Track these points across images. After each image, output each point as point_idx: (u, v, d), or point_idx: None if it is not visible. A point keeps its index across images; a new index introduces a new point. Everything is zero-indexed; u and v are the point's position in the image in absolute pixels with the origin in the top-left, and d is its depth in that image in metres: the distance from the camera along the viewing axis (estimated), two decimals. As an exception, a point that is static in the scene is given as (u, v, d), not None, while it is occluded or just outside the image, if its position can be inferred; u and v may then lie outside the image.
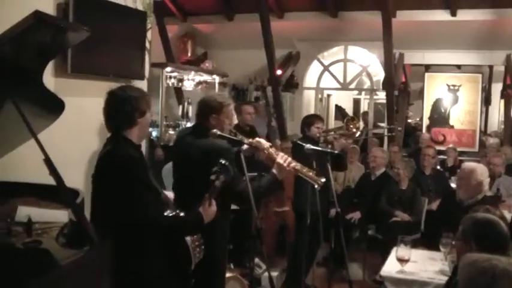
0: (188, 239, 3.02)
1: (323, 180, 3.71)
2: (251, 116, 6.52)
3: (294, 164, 3.60)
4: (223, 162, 2.98)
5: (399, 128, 9.39)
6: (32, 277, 1.93)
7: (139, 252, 2.80)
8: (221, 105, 3.63)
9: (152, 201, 2.85)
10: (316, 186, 3.72)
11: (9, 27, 2.31)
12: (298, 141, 4.91)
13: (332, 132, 5.82)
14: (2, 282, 1.94)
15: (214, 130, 3.42)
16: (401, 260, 3.98)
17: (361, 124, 5.92)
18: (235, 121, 3.65)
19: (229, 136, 3.53)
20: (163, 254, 2.91)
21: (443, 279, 3.56)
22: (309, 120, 5.69)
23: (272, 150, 3.61)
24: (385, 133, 9.36)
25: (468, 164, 4.90)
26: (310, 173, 3.69)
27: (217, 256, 3.63)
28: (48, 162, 2.40)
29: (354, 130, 5.73)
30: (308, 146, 4.48)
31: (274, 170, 3.53)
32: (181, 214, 2.98)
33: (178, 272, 3.01)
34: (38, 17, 2.26)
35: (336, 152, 4.92)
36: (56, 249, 2.34)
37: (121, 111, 2.98)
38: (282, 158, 3.53)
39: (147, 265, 2.85)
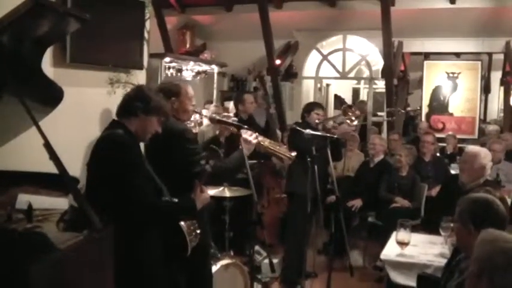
0: (183, 224, 3.05)
1: (293, 154, 3.77)
2: (253, 105, 6.55)
3: (261, 138, 3.64)
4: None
5: (401, 110, 9.38)
6: (32, 260, 1.93)
7: (136, 237, 2.82)
8: (178, 87, 3.65)
9: (145, 186, 2.88)
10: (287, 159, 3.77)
11: (7, 12, 2.31)
12: (297, 127, 4.92)
13: (331, 122, 5.85)
14: (2, 266, 1.95)
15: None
16: (401, 243, 4.00)
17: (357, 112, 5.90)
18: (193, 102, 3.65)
19: (229, 121, 3.56)
20: (159, 238, 2.93)
21: (443, 261, 3.56)
22: (310, 107, 5.74)
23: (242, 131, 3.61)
24: (385, 117, 9.36)
25: (472, 148, 4.88)
26: (278, 147, 3.74)
27: (206, 239, 3.67)
28: (48, 146, 2.41)
29: (353, 118, 5.75)
30: (308, 131, 4.49)
31: (242, 146, 3.55)
32: (175, 200, 3.01)
33: (175, 257, 3.02)
34: (36, 1, 2.26)
35: (336, 136, 4.93)
36: (57, 233, 2.36)
37: (131, 103, 3.06)
38: (246, 134, 3.57)
39: (144, 250, 2.87)
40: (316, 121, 5.52)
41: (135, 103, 3.02)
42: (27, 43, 2.59)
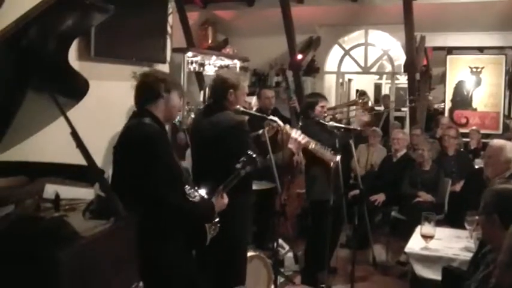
0: None
1: (338, 159, 3.74)
2: (270, 101, 6.52)
3: (307, 139, 3.64)
4: (250, 153, 3.04)
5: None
6: (61, 246, 1.97)
7: (156, 226, 2.82)
8: (238, 81, 3.66)
9: (172, 180, 2.89)
10: (331, 164, 3.75)
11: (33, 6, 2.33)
12: (321, 120, 4.86)
13: (342, 109, 5.74)
14: (33, 251, 1.98)
15: (238, 106, 3.46)
16: (426, 237, 3.98)
17: (371, 102, 5.81)
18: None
19: (252, 112, 3.57)
20: (178, 227, 2.94)
21: (469, 255, 3.55)
22: (312, 100, 5.37)
23: (287, 128, 3.62)
24: (407, 103, 9.27)
25: (496, 141, 4.79)
26: (325, 151, 3.73)
27: (237, 236, 3.67)
28: (74, 135, 2.44)
29: (365, 104, 5.66)
30: (331, 123, 4.47)
31: (290, 145, 3.54)
32: (198, 193, 3.02)
33: (193, 247, 3.02)
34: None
35: (359, 128, 4.89)
36: (83, 221, 2.40)
37: (145, 87, 3.07)
38: (296, 134, 3.57)
39: (163, 239, 2.88)
40: (324, 114, 5.22)
41: (154, 86, 3.03)
42: (54, 35, 2.62)
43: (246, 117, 3.59)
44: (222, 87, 3.61)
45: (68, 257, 1.93)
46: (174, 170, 2.96)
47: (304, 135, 3.60)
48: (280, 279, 5.57)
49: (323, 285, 5.01)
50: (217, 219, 3.11)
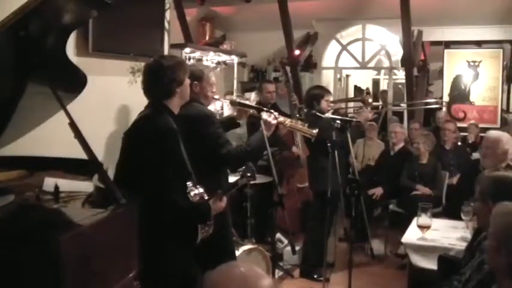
0: None
1: (315, 131, 3.78)
2: (272, 95, 6.56)
3: (282, 119, 3.67)
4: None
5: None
6: (62, 232, 2.00)
7: (154, 219, 2.83)
8: (201, 72, 3.69)
9: (176, 178, 2.92)
10: (312, 139, 3.79)
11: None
12: (317, 113, 4.89)
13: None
14: (35, 238, 2.01)
15: (234, 97, 3.50)
16: (422, 227, 4.01)
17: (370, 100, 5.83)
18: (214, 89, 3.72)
19: (247, 103, 3.60)
20: (169, 223, 2.95)
21: (465, 245, 3.56)
22: (318, 93, 5.44)
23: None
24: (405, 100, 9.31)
25: (493, 133, 4.80)
26: (301, 126, 3.76)
27: (224, 233, 3.72)
28: (73, 125, 2.47)
29: (370, 101, 5.70)
30: (327, 114, 4.50)
31: (264, 128, 3.57)
32: (198, 191, 3.04)
33: (183, 243, 3.03)
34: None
35: (355, 120, 4.91)
36: (83, 210, 2.43)
37: (158, 83, 3.07)
38: (267, 115, 3.60)
39: (161, 233, 2.91)
40: (328, 109, 5.32)
41: (159, 80, 3.04)
42: (52, 27, 2.65)
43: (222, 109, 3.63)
44: None
45: (68, 242, 1.96)
46: (181, 168, 3.00)
47: (276, 115, 3.63)
48: (279, 273, 5.62)
49: (321, 279, 5.04)
50: (210, 222, 3.13)
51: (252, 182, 4.70)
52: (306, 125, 3.85)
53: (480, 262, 2.64)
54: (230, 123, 4.02)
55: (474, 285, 2.56)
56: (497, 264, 2.07)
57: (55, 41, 2.70)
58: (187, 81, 3.15)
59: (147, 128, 2.98)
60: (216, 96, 3.81)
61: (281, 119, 3.68)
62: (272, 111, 3.70)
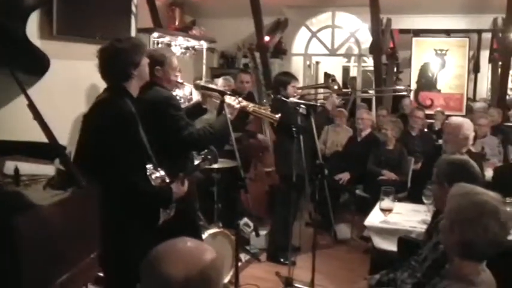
0: None
1: (278, 116, 3.83)
2: (244, 85, 6.66)
3: (245, 103, 3.70)
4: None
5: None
6: (19, 213, 1.99)
7: (113, 199, 2.82)
8: (163, 57, 3.67)
9: (136, 161, 2.91)
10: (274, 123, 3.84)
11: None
12: (283, 98, 4.92)
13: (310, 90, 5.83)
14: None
15: (198, 81, 3.51)
16: (385, 210, 4.08)
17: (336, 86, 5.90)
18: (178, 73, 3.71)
19: (211, 86, 3.61)
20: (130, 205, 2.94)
21: (425, 227, 3.64)
22: (285, 79, 5.47)
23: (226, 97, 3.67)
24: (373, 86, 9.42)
25: (455, 119, 4.91)
26: (264, 111, 3.81)
27: (188, 213, 3.76)
28: (31, 107, 2.45)
29: (336, 88, 5.77)
30: (291, 99, 4.53)
31: (227, 111, 3.59)
32: (160, 174, 3.04)
33: (144, 225, 3.03)
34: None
35: (319, 104, 4.96)
36: (43, 192, 2.42)
37: (114, 67, 3.04)
38: (230, 99, 3.62)
39: (122, 215, 2.90)
40: (294, 94, 5.33)
41: (114, 63, 3.02)
42: (8, 10, 2.60)
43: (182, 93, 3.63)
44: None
45: (24, 223, 1.95)
46: (140, 151, 2.99)
47: (240, 100, 3.65)
48: (246, 257, 5.67)
49: (287, 262, 5.10)
50: (172, 205, 3.14)
51: (217, 167, 4.76)
52: (269, 109, 3.88)
53: (436, 243, 2.71)
54: (197, 109, 4.02)
55: (429, 265, 2.62)
56: (449, 243, 2.13)
57: (13, 22, 2.66)
58: (144, 61, 3.12)
59: (105, 112, 2.97)
60: (180, 80, 3.80)
61: (244, 103, 3.70)
62: (236, 96, 3.71)
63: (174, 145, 3.42)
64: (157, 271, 1.45)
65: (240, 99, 3.66)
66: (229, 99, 3.60)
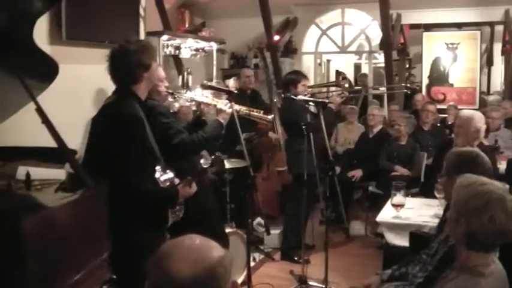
0: None
1: (270, 117, 3.84)
2: (249, 79, 6.65)
3: (237, 107, 3.71)
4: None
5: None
6: (22, 215, 2.01)
7: (120, 201, 2.83)
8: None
9: (142, 164, 2.92)
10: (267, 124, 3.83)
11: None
12: (292, 96, 4.92)
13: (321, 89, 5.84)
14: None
15: (205, 81, 3.52)
16: (396, 206, 4.07)
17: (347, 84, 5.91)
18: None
19: (217, 86, 3.63)
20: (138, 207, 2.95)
21: (438, 222, 3.63)
22: (295, 78, 5.46)
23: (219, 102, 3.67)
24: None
25: (466, 112, 4.88)
26: (256, 113, 3.81)
27: (199, 216, 3.75)
28: (40, 111, 2.48)
29: (346, 86, 5.76)
30: (300, 97, 4.53)
31: (219, 116, 3.59)
32: (168, 176, 3.06)
33: (153, 227, 3.04)
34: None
35: (328, 101, 4.96)
36: (51, 195, 2.45)
37: (123, 69, 3.04)
38: (222, 103, 3.62)
39: (131, 218, 2.92)
40: (305, 93, 5.30)
41: (124, 65, 3.02)
42: (13, 16, 2.62)
43: None
44: None
45: (31, 225, 1.98)
46: (148, 153, 2.99)
47: (231, 104, 3.65)
48: (260, 256, 5.68)
49: (301, 260, 5.10)
50: (180, 206, 3.15)
51: (229, 167, 4.79)
52: (262, 112, 3.88)
53: (447, 236, 2.69)
54: (197, 123, 4.03)
55: (440, 258, 2.61)
56: (456, 235, 2.12)
57: (20, 27, 2.68)
58: (155, 65, 3.13)
59: (112, 115, 2.97)
60: (170, 91, 3.78)
61: (236, 107, 3.69)
62: (228, 100, 3.69)
63: (168, 153, 3.43)
64: (164, 268, 1.45)
65: (232, 103, 3.64)
66: (220, 105, 3.60)
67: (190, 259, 1.46)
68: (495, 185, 2.09)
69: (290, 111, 4.60)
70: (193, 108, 6.29)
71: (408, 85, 9.25)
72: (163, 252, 1.49)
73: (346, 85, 5.99)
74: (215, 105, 3.59)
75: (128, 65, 3.01)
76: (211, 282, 1.47)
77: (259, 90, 7.19)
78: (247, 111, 3.80)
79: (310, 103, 4.52)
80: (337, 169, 6.87)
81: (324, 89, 7.34)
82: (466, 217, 2.04)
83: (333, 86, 6.01)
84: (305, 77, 5.61)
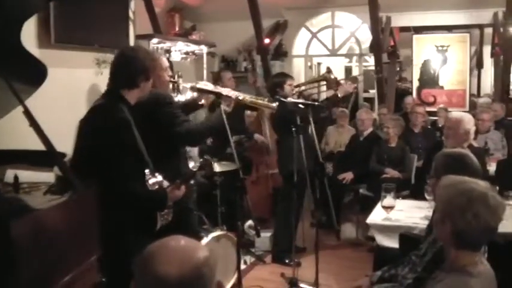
0: None
1: (275, 105, 3.86)
2: (232, 82, 6.68)
3: (242, 96, 3.72)
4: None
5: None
6: (11, 217, 2.00)
7: (109, 203, 2.82)
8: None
9: (131, 169, 2.92)
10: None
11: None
12: (281, 98, 4.93)
13: (303, 87, 5.87)
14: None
15: (193, 83, 3.52)
16: (386, 208, 4.07)
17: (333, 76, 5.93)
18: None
19: (207, 88, 3.63)
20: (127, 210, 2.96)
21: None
22: (280, 80, 5.55)
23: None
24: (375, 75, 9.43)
25: (455, 114, 4.90)
26: (261, 101, 3.83)
27: (184, 219, 3.74)
28: (27, 114, 2.46)
29: (333, 77, 5.77)
30: (289, 99, 4.54)
31: (223, 104, 3.61)
32: (157, 179, 3.05)
33: (142, 230, 3.02)
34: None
35: (317, 103, 4.97)
36: (39, 197, 2.43)
37: (124, 71, 3.06)
38: (226, 91, 3.65)
39: (115, 218, 2.90)
40: (293, 92, 5.40)
41: (127, 68, 3.04)
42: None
43: None
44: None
45: (19, 227, 1.97)
46: (136, 157, 2.99)
47: (237, 92, 3.67)
48: (251, 259, 5.67)
49: (292, 263, 5.10)
50: (169, 209, 3.15)
51: (220, 170, 4.78)
52: (266, 99, 3.91)
53: (436, 238, 2.71)
54: (194, 104, 4.03)
55: (429, 259, 2.62)
56: (443, 235, 2.13)
57: (7, 31, 2.67)
58: (151, 80, 3.15)
59: (103, 118, 2.97)
60: (173, 80, 3.83)
61: (241, 96, 3.72)
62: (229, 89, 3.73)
63: (170, 146, 3.44)
64: (150, 269, 1.46)
65: (237, 92, 3.68)
66: (226, 92, 3.63)
67: (176, 260, 1.47)
68: (477, 183, 2.11)
69: (282, 112, 4.61)
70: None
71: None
72: (149, 253, 1.49)
73: (332, 76, 5.99)
74: (218, 93, 3.61)
75: (131, 69, 3.04)
76: (198, 282, 1.48)
77: (250, 93, 7.20)
78: (252, 99, 3.82)
79: (300, 105, 4.53)
80: (329, 168, 6.91)
81: (315, 90, 7.37)
82: (450, 217, 2.05)
83: (320, 80, 6.01)
84: (290, 76, 5.66)
